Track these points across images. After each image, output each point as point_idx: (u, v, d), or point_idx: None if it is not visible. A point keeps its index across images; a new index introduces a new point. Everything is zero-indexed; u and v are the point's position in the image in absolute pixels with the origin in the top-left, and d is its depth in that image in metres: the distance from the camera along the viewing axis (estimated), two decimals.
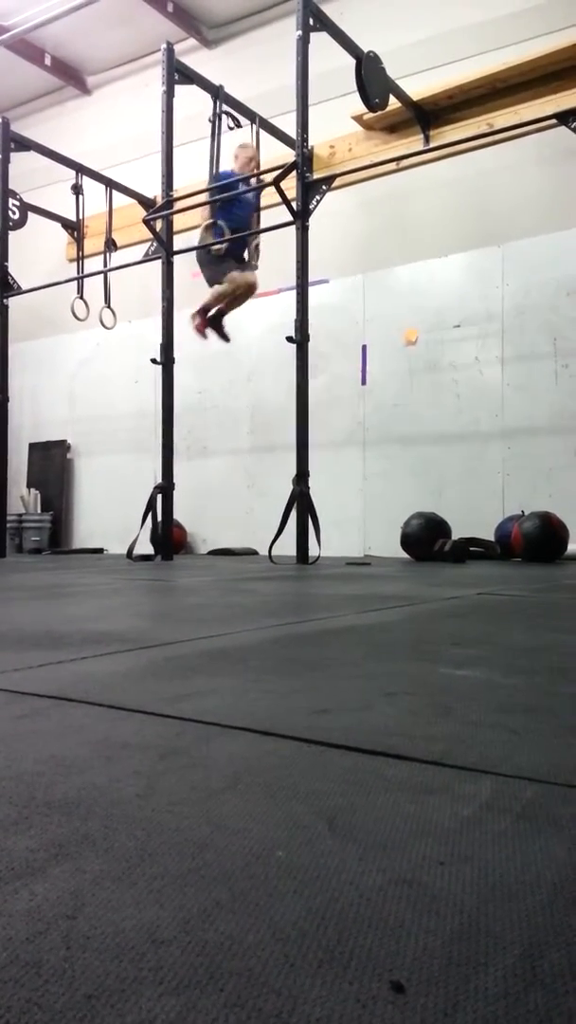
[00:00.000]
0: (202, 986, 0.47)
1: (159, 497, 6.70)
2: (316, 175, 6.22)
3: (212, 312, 6.69)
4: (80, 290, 8.09)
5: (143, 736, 1.04)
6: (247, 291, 6.64)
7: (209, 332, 6.77)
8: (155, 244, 6.90)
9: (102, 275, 7.97)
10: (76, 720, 1.13)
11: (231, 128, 6.93)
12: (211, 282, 6.59)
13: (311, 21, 5.89)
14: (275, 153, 7.18)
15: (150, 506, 6.65)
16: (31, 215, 8.37)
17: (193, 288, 7.23)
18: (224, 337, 6.87)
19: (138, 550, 6.56)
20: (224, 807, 0.77)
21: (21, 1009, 0.45)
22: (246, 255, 6.74)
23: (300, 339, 5.76)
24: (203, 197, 6.58)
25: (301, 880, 0.61)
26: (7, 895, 0.58)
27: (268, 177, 5.98)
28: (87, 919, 0.55)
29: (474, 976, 0.48)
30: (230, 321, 6.88)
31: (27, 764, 0.91)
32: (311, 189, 5.85)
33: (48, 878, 0.61)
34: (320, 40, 5.97)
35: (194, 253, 6.69)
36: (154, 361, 6.82)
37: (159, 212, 6.69)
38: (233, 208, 6.51)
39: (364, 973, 0.48)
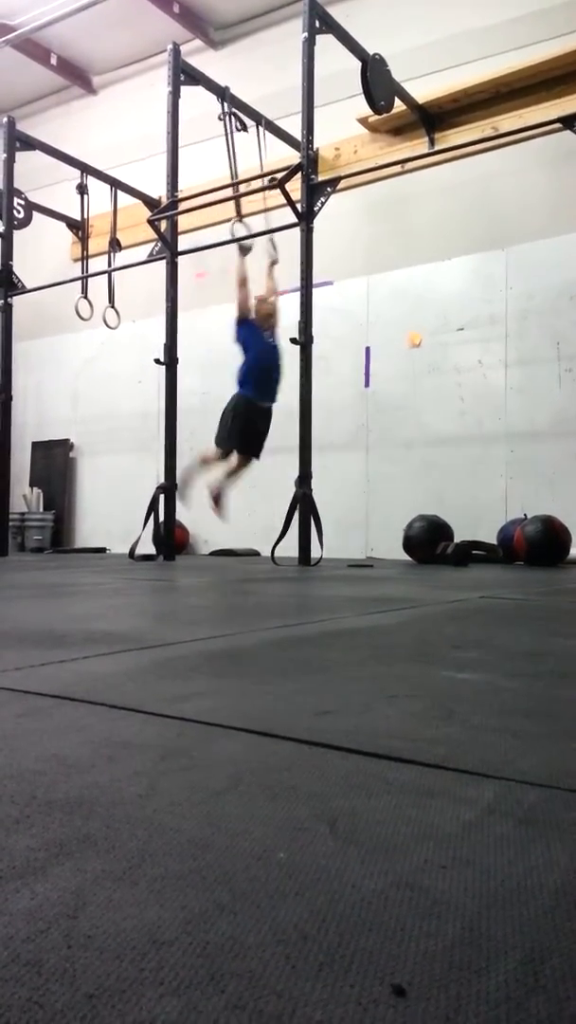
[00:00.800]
0: (203, 987, 0.47)
1: (162, 497, 6.70)
2: (321, 177, 6.23)
3: (212, 483, 6.01)
4: (84, 289, 8.10)
5: (144, 736, 1.04)
6: (239, 468, 5.99)
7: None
8: (159, 244, 6.90)
9: (106, 275, 7.97)
10: (78, 719, 1.13)
11: (238, 130, 6.94)
12: (218, 439, 5.98)
13: (317, 23, 5.90)
14: (281, 155, 7.19)
15: (152, 506, 6.65)
16: (36, 214, 8.39)
17: (197, 289, 7.25)
18: (218, 510, 6.03)
19: (140, 550, 6.56)
20: (225, 808, 0.77)
21: (22, 1008, 0.45)
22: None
23: (304, 341, 5.76)
24: (208, 198, 6.57)
25: (302, 882, 0.61)
26: (8, 894, 0.58)
27: (273, 179, 5.98)
28: (88, 919, 0.55)
29: (476, 980, 0.48)
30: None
31: (28, 763, 0.91)
32: (316, 191, 5.86)
33: (49, 877, 0.61)
34: (326, 42, 5.97)
35: (196, 255, 6.62)
36: (158, 361, 6.82)
37: (164, 212, 6.69)
38: (263, 359, 5.87)
39: (365, 976, 0.48)
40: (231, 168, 6.71)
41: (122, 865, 0.64)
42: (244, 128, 6.96)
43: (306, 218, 5.81)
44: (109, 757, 0.93)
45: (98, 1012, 0.44)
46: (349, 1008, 0.45)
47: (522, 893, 0.59)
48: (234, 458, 5.95)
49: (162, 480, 6.83)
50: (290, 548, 5.72)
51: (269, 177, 6.15)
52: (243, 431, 5.84)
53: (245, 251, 6.09)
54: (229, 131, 6.76)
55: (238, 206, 6.61)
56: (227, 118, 6.78)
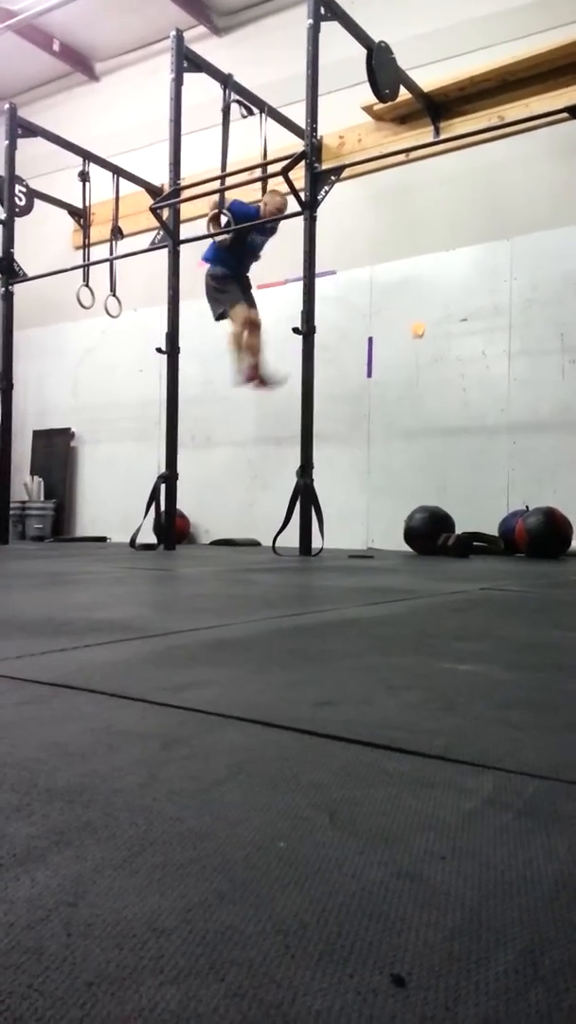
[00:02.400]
0: (203, 976, 0.47)
1: (163, 487, 6.70)
2: (325, 166, 6.18)
3: (246, 364, 6.47)
4: (86, 278, 8.07)
5: (145, 725, 1.04)
6: (253, 328, 6.44)
7: (260, 383, 6.60)
8: (162, 232, 6.87)
9: (108, 263, 7.94)
10: (78, 708, 1.13)
11: (244, 116, 6.89)
12: (218, 317, 6.49)
13: (322, 10, 5.85)
14: (284, 143, 7.14)
15: (153, 495, 6.65)
16: (37, 201, 8.34)
17: (199, 277, 7.20)
18: (275, 382, 6.58)
19: (141, 539, 6.56)
20: (225, 797, 0.77)
21: (22, 995, 0.45)
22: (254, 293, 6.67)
23: (306, 330, 5.74)
24: (211, 186, 6.54)
25: (302, 872, 0.61)
26: (8, 882, 0.58)
27: (277, 167, 5.95)
28: (88, 907, 0.55)
29: (475, 971, 0.48)
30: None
31: (29, 751, 0.91)
32: (320, 180, 5.82)
33: (49, 865, 0.61)
34: (331, 29, 5.92)
35: (199, 243, 6.64)
36: (159, 350, 6.80)
37: (166, 200, 6.66)
38: (241, 248, 6.41)
39: (365, 966, 0.48)
40: (223, 160, 6.66)
41: (122, 853, 0.64)
42: (250, 113, 6.91)
43: (309, 207, 5.77)
44: (109, 745, 0.93)
45: (98, 1000, 0.44)
46: (348, 998, 0.45)
47: (522, 884, 0.59)
48: (242, 316, 6.38)
49: (163, 469, 6.83)
50: (291, 538, 5.72)
51: (272, 166, 6.13)
52: (235, 286, 6.41)
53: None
54: (229, 120, 6.72)
55: (241, 195, 6.58)
56: (230, 105, 6.74)
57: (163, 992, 0.45)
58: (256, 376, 6.52)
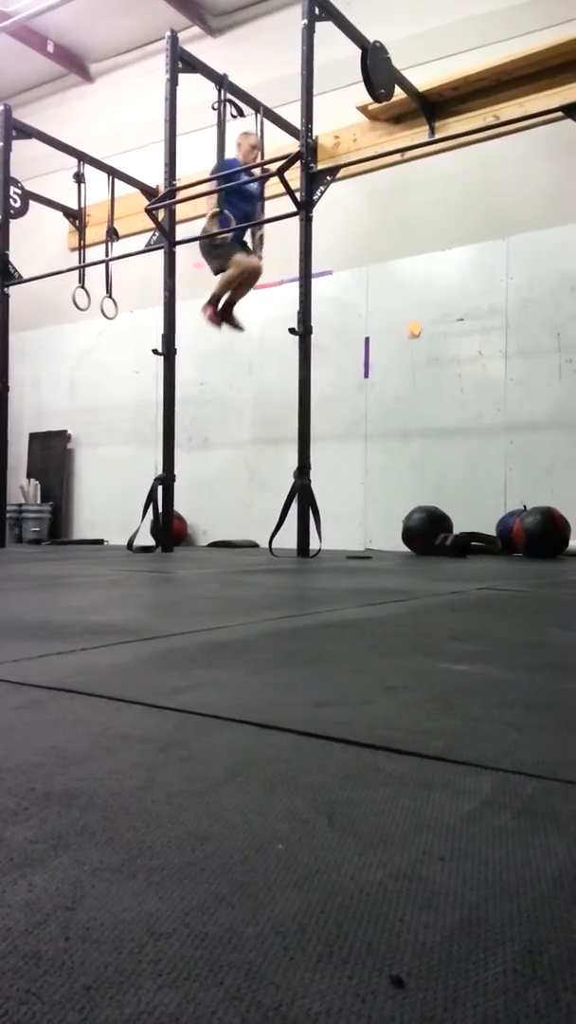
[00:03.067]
0: (201, 979, 0.47)
1: (160, 489, 6.69)
2: (320, 165, 6.19)
3: (223, 302, 6.69)
4: (81, 279, 8.06)
5: (143, 728, 1.04)
6: (252, 275, 6.64)
7: (223, 324, 6.80)
8: (157, 234, 6.87)
9: (104, 264, 7.93)
10: (75, 711, 1.13)
11: (234, 116, 6.89)
12: (217, 270, 6.59)
13: (316, 10, 5.85)
14: (279, 143, 7.15)
15: (151, 497, 6.64)
16: (32, 203, 8.33)
17: (195, 278, 7.22)
18: (237, 327, 6.88)
19: (138, 541, 6.56)
20: (224, 800, 0.77)
21: (20, 1000, 0.45)
22: (249, 242, 6.75)
23: (302, 331, 5.74)
24: (207, 186, 6.55)
25: (301, 874, 0.61)
26: (6, 886, 0.58)
27: (272, 167, 5.95)
28: (86, 911, 0.55)
29: (474, 971, 0.48)
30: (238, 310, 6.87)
31: (26, 755, 0.91)
32: (315, 180, 5.82)
33: (47, 869, 0.61)
34: (325, 29, 5.93)
35: (196, 244, 6.66)
36: (156, 352, 6.80)
37: (162, 201, 6.66)
38: (237, 197, 6.48)
39: (364, 967, 0.48)
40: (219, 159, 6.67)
41: (120, 857, 0.64)
42: (242, 114, 6.91)
43: (305, 207, 5.77)
44: (107, 749, 0.93)
45: (96, 1004, 0.44)
46: (347, 999, 0.45)
47: (520, 884, 0.59)
48: (243, 264, 6.49)
49: (160, 471, 6.82)
50: (288, 539, 5.72)
51: (267, 166, 6.14)
52: (225, 246, 6.48)
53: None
54: (223, 121, 6.72)
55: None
56: (223, 107, 6.74)
57: (161, 995, 0.45)
58: (229, 317, 6.74)
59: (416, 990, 0.46)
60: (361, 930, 0.52)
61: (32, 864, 0.62)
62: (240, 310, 6.91)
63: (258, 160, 6.59)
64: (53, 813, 0.73)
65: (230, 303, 6.75)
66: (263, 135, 6.98)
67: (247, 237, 6.78)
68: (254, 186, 6.66)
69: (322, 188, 5.84)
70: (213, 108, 6.70)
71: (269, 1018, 0.43)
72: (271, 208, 6.78)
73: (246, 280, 6.63)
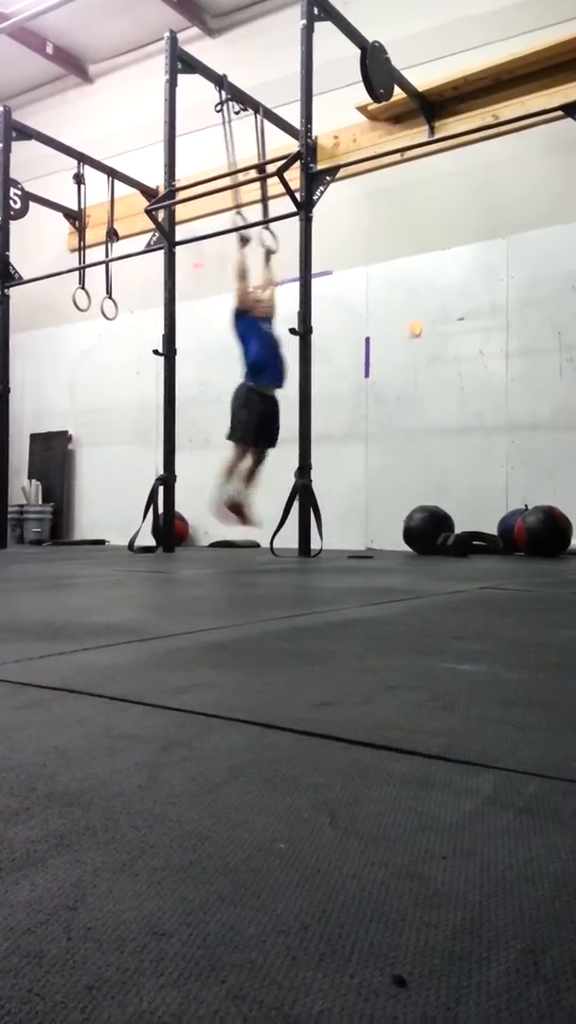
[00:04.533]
0: (203, 978, 0.47)
1: (161, 489, 6.70)
2: (320, 166, 6.19)
3: (232, 490, 5.80)
4: (82, 280, 8.06)
5: (145, 728, 1.04)
6: (257, 462, 5.88)
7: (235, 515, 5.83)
8: (157, 234, 6.87)
9: (104, 265, 7.94)
10: (77, 711, 1.13)
11: (237, 113, 6.88)
12: (229, 435, 5.86)
13: (315, 10, 5.85)
14: (279, 143, 7.14)
15: (152, 498, 6.64)
16: (32, 204, 8.34)
17: (195, 279, 7.22)
18: (245, 520, 5.81)
19: (139, 542, 6.56)
20: (225, 799, 0.77)
21: (22, 999, 0.45)
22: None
23: (303, 331, 5.74)
24: (207, 187, 6.54)
25: (303, 873, 0.61)
26: (8, 886, 0.58)
27: (272, 168, 5.95)
28: (88, 910, 0.55)
29: (476, 971, 0.48)
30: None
31: (28, 755, 0.91)
32: (315, 180, 5.82)
33: (49, 869, 0.61)
34: (324, 29, 5.92)
35: (195, 244, 6.62)
36: (156, 352, 6.80)
37: (161, 202, 6.66)
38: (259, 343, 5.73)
39: (366, 966, 0.48)
40: (228, 157, 6.66)
41: (122, 857, 0.64)
42: (244, 108, 6.89)
43: (305, 207, 5.77)
44: (109, 749, 0.93)
45: (98, 1003, 0.44)
46: (350, 999, 0.45)
47: (522, 883, 0.59)
48: (249, 455, 5.81)
49: (161, 471, 6.82)
50: (290, 539, 5.72)
51: (267, 167, 6.13)
52: (258, 421, 5.68)
53: (245, 242, 6.06)
54: (226, 120, 6.72)
55: (236, 196, 6.58)
56: (224, 106, 6.73)
57: (163, 995, 0.45)
58: (239, 510, 5.76)
59: (418, 989, 0.46)
60: (363, 929, 0.52)
61: (34, 864, 0.62)
62: (249, 492, 6.14)
63: (264, 301, 5.83)
64: (55, 813, 0.73)
65: (239, 495, 5.81)
66: (263, 135, 6.97)
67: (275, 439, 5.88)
68: (269, 330, 5.82)
69: (322, 188, 5.84)
70: (216, 110, 6.70)
71: (271, 1017, 0.43)
72: (271, 208, 6.77)
73: (251, 469, 5.84)
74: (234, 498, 5.77)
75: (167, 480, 6.72)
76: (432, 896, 0.57)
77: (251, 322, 5.76)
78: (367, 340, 7.61)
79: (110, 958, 0.49)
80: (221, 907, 0.55)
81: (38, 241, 9.40)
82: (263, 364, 5.70)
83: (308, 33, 5.83)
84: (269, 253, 6.18)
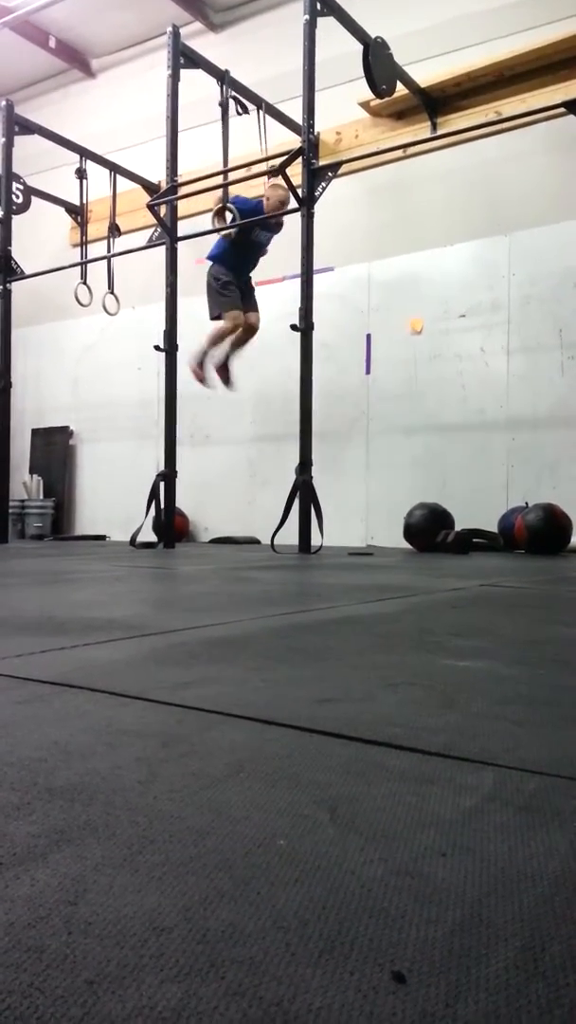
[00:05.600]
0: (203, 974, 0.47)
1: (162, 485, 6.70)
2: (322, 161, 6.17)
3: (218, 358, 6.48)
4: (83, 275, 8.05)
5: (145, 723, 1.04)
6: (248, 331, 6.46)
7: (215, 379, 6.56)
8: (159, 230, 6.86)
9: (106, 260, 7.93)
10: (78, 706, 1.13)
11: (239, 113, 6.87)
12: (213, 316, 6.39)
13: (318, 6, 5.83)
14: (281, 139, 7.13)
15: (153, 494, 6.64)
16: (34, 199, 8.33)
17: (197, 274, 7.19)
18: (227, 382, 6.61)
19: (140, 538, 6.56)
20: (226, 795, 0.77)
21: (23, 993, 0.45)
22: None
23: (304, 327, 5.73)
24: (209, 183, 6.53)
25: (302, 869, 0.61)
26: (9, 880, 0.58)
27: (275, 163, 5.94)
28: (88, 905, 0.55)
29: (475, 967, 0.48)
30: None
31: (29, 750, 0.91)
32: (317, 176, 5.81)
33: (49, 864, 0.61)
34: (327, 25, 5.91)
35: (197, 239, 6.63)
36: (157, 348, 6.79)
37: (163, 197, 6.65)
38: (244, 247, 6.32)
39: (365, 963, 0.48)
40: (225, 156, 6.65)
41: (122, 852, 0.64)
42: (245, 111, 6.89)
43: (307, 203, 5.76)
44: (109, 744, 0.94)
45: (98, 998, 0.44)
46: (349, 995, 0.45)
47: (522, 880, 0.59)
48: (236, 320, 6.32)
49: (162, 467, 6.82)
50: (290, 536, 5.72)
51: (269, 162, 6.12)
52: (235, 290, 6.31)
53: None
54: (229, 116, 6.70)
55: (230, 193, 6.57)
56: (227, 102, 6.71)
57: (163, 990, 0.45)
58: (223, 373, 6.54)
59: (418, 986, 0.46)
60: (363, 926, 0.52)
61: (35, 859, 0.62)
62: (234, 357, 6.71)
63: (277, 212, 6.21)
64: (56, 808, 0.73)
65: (226, 357, 6.53)
66: (265, 131, 6.95)
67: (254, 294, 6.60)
68: (263, 237, 6.44)
69: (324, 184, 5.82)
70: (220, 105, 6.68)
71: (270, 1013, 0.43)
72: None
73: (241, 337, 6.44)
74: (225, 363, 6.52)
75: (168, 476, 6.72)
76: (432, 893, 0.57)
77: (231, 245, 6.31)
78: (368, 337, 7.60)
79: (110, 953, 0.49)
80: (221, 903, 0.55)
81: (40, 236, 9.38)
82: (233, 256, 6.34)
83: (311, 28, 5.81)
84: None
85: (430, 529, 6.33)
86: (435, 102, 7.25)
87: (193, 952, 0.49)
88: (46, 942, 0.50)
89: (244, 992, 0.45)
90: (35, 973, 0.47)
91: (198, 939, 0.51)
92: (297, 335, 5.75)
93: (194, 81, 6.71)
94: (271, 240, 6.54)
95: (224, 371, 6.55)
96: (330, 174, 5.84)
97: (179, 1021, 0.43)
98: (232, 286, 6.33)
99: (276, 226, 6.39)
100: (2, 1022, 0.43)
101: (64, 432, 9.77)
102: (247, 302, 6.46)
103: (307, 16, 5.79)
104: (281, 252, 6.72)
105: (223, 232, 6.30)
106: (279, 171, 5.56)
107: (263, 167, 6.29)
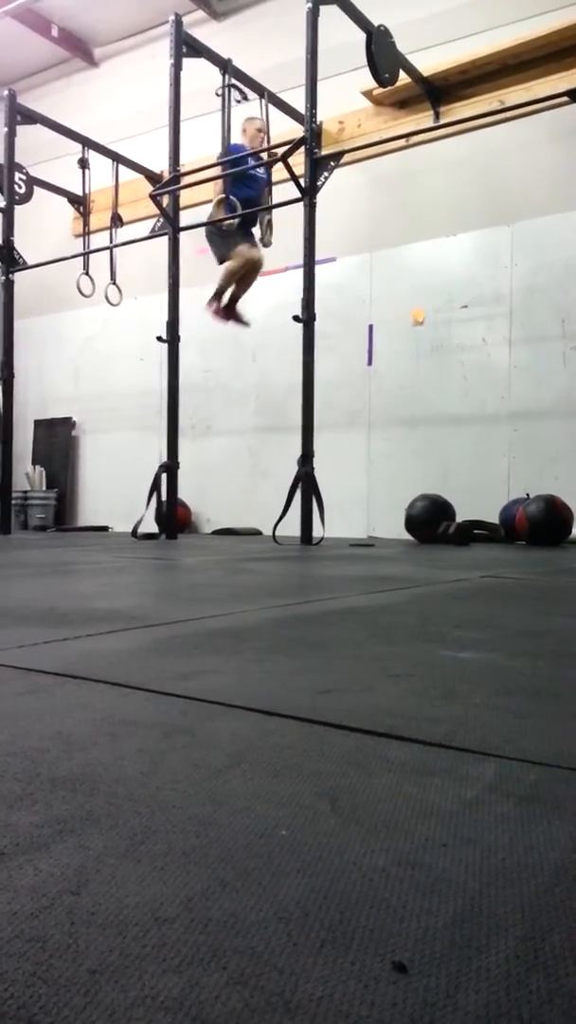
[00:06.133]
0: (205, 963, 0.47)
1: (164, 476, 6.69)
2: (325, 151, 6.14)
3: (227, 296, 6.69)
4: (86, 266, 8.03)
5: (147, 714, 1.04)
6: (254, 268, 6.63)
7: (229, 319, 6.84)
8: (161, 220, 6.84)
9: (108, 251, 7.90)
10: (80, 697, 1.13)
11: (239, 102, 6.83)
12: (220, 259, 6.56)
13: None
14: (284, 128, 7.09)
15: (155, 485, 6.65)
16: (37, 189, 8.30)
17: (199, 265, 7.18)
18: (242, 322, 6.90)
19: (142, 529, 6.56)
20: (227, 786, 0.77)
21: (26, 983, 0.45)
22: (256, 231, 6.72)
23: (306, 318, 5.72)
24: (212, 172, 6.51)
25: (304, 859, 0.61)
26: (12, 870, 0.59)
27: (277, 153, 5.91)
28: (91, 895, 0.55)
29: (476, 957, 0.48)
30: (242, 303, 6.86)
31: (32, 740, 0.92)
32: (319, 165, 5.78)
33: (52, 854, 0.62)
34: (330, 13, 5.87)
35: (201, 230, 6.63)
36: (159, 339, 6.78)
37: (166, 187, 6.62)
38: (243, 183, 6.45)
39: (366, 953, 0.48)
40: (223, 142, 6.61)
41: (125, 842, 0.64)
42: (245, 98, 6.84)
43: (309, 193, 5.74)
44: (112, 735, 0.94)
45: (101, 988, 0.45)
46: (350, 985, 0.45)
47: (523, 871, 0.60)
48: (245, 255, 6.49)
49: (164, 458, 6.82)
50: (292, 527, 5.72)
51: (272, 151, 6.10)
52: (230, 235, 6.42)
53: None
54: (227, 105, 6.66)
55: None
56: (228, 90, 6.68)
57: (165, 980, 0.45)
58: (233, 313, 6.79)
59: (418, 976, 0.46)
60: (364, 916, 0.53)
61: (38, 848, 0.63)
62: (243, 298, 6.89)
63: (264, 144, 6.58)
64: (58, 798, 0.73)
65: (234, 298, 6.75)
66: (268, 120, 6.92)
67: (256, 226, 6.75)
68: (260, 171, 6.61)
69: (326, 174, 5.79)
70: (217, 94, 6.64)
71: (272, 1003, 0.43)
72: (275, 194, 6.72)
73: (248, 273, 6.63)
74: (234, 301, 6.75)
75: (170, 467, 6.72)
76: (432, 883, 0.57)
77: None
78: (370, 328, 7.58)
79: (113, 943, 0.49)
80: (223, 893, 0.56)
81: (42, 226, 9.35)
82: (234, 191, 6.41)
83: (314, 17, 5.77)
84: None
85: (431, 520, 6.32)
86: (438, 91, 7.21)
87: (195, 942, 0.49)
88: (49, 932, 0.50)
89: (246, 982, 0.45)
90: (38, 963, 0.47)
91: (200, 929, 0.51)
92: (299, 326, 5.73)
93: (197, 70, 6.67)
94: (269, 172, 6.67)
95: (234, 311, 6.81)
96: (332, 164, 5.81)
97: (181, 1011, 0.43)
98: (234, 230, 6.47)
99: (269, 159, 6.53)
100: (5, 1011, 0.43)
101: (66, 423, 9.77)
102: (250, 238, 6.62)
103: (310, 4, 5.75)
104: (283, 242, 6.70)
105: (225, 223, 6.30)
106: (282, 160, 5.54)
107: (269, 155, 6.28)
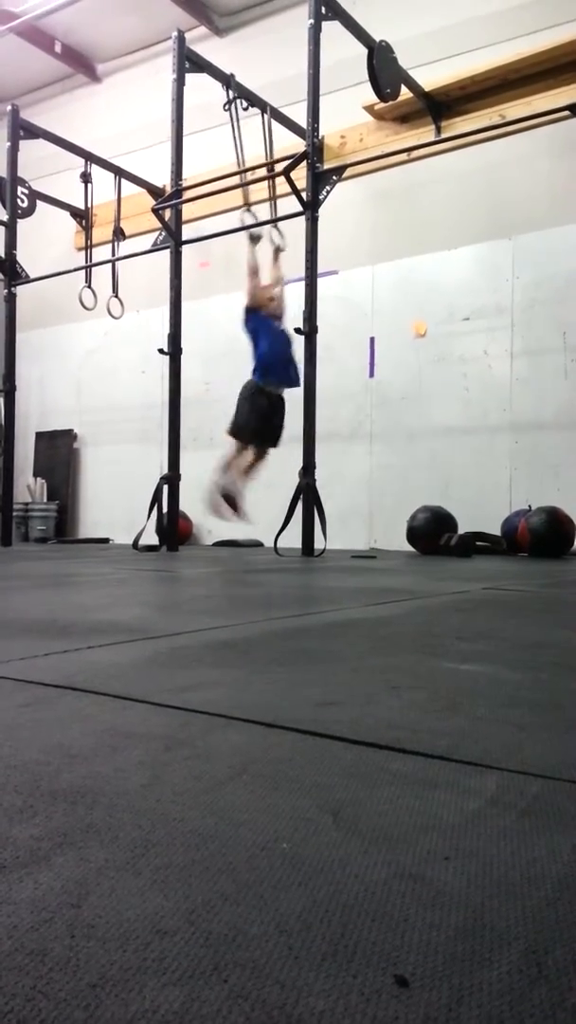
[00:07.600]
0: (206, 977, 0.47)
1: (165, 488, 6.70)
2: (326, 165, 6.18)
3: (224, 485, 5.77)
4: (88, 279, 8.07)
5: (148, 726, 1.04)
6: (255, 464, 5.88)
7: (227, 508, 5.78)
8: (163, 233, 6.88)
9: (110, 264, 7.94)
10: (81, 709, 1.13)
11: (245, 108, 6.87)
12: (231, 430, 5.85)
13: (323, 9, 5.85)
14: (286, 143, 7.14)
15: (156, 497, 6.65)
16: (39, 203, 8.36)
17: (201, 278, 7.22)
18: (237, 513, 5.78)
19: (144, 541, 6.56)
20: (229, 798, 0.77)
21: (26, 997, 0.45)
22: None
23: (308, 330, 5.74)
24: (216, 186, 6.55)
25: (305, 872, 0.61)
26: (12, 883, 0.59)
27: (279, 167, 5.95)
28: (91, 908, 0.55)
29: (478, 971, 0.48)
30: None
31: (32, 753, 0.91)
32: (321, 179, 5.82)
33: (53, 867, 0.61)
34: (332, 29, 5.92)
35: (200, 244, 6.62)
36: (161, 351, 6.80)
37: (168, 201, 6.66)
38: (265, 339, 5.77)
39: (368, 966, 0.48)
40: (238, 156, 6.67)
41: (125, 855, 0.64)
42: (252, 105, 6.87)
43: (311, 207, 5.77)
44: (112, 747, 0.94)
45: (101, 1001, 0.44)
46: (352, 998, 0.45)
47: (525, 884, 0.59)
48: (249, 451, 5.80)
49: (166, 470, 6.83)
50: (293, 539, 5.72)
51: (274, 165, 6.13)
52: (258, 422, 5.70)
53: (255, 240, 6.06)
54: (234, 119, 6.71)
55: (245, 195, 6.59)
56: (232, 105, 6.73)
57: (166, 993, 0.45)
58: (232, 502, 5.72)
59: (420, 989, 0.46)
60: (365, 929, 0.52)
61: (38, 861, 0.62)
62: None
63: (279, 309, 5.84)
64: (59, 811, 0.73)
65: (237, 490, 5.78)
66: (270, 134, 6.96)
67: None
68: (277, 323, 5.85)
69: (328, 188, 5.83)
70: (224, 109, 6.69)
71: (273, 1017, 0.43)
72: (278, 207, 6.76)
73: (253, 464, 5.83)
74: (229, 489, 5.73)
75: (171, 479, 6.73)
76: (435, 896, 0.57)
77: (263, 320, 5.78)
78: (372, 340, 7.61)
79: (113, 956, 0.49)
80: (224, 906, 0.55)
81: (45, 240, 9.41)
82: (272, 363, 5.71)
83: (316, 33, 5.82)
84: (278, 251, 6.18)
85: (433, 532, 6.32)
86: (439, 105, 7.27)
87: (196, 955, 0.49)
88: (49, 945, 0.50)
89: (247, 995, 0.45)
90: (38, 976, 0.47)
91: (201, 942, 0.51)
92: (301, 338, 5.75)
93: (199, 85, 6.73)
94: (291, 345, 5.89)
95: (231, 500, 5.72)
96: (334, 178, 5.85)
97: None
98: (257, 397, 5.71)
99: (279, 320, 5.90)
100: None
101: (68, 435, 9.79)
102: (265, 433, 5.74)
103: (312, 20, 5.81)
104: (286, 255, 6.73)
105: (250, 233, 6.06)
106: (284, 174, 5.57)
107: (272, 170, 6.30)
